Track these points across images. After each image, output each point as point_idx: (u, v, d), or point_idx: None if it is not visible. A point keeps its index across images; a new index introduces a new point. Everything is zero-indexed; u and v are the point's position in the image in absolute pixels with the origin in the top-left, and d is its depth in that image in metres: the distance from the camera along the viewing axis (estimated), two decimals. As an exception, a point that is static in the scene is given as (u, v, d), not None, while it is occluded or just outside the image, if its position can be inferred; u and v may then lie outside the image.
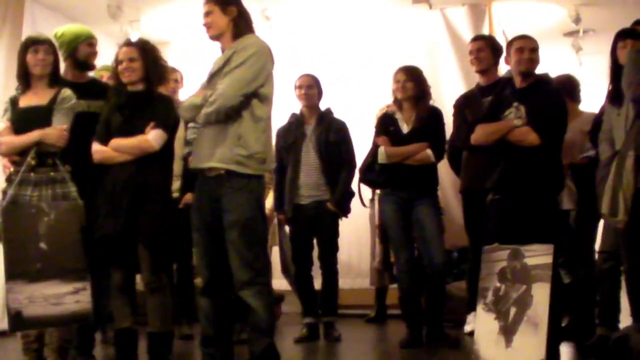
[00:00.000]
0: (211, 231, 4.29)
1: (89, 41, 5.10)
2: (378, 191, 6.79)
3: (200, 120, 4.30)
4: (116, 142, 4.63)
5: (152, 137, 4.59)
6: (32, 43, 4.76)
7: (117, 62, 4.73)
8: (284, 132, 6.20)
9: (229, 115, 4.20)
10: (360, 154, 6.10)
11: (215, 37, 4.40)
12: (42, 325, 4.55)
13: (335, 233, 6.15)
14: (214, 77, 4.34)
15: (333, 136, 6.10)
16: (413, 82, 5.59)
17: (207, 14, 4.37)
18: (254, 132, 4.24)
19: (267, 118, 4.36)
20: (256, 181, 4.29)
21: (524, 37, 5.10)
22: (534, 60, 4.95)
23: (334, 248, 6.16)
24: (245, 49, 4.25)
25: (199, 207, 4.38)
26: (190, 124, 5.15)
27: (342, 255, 6.43)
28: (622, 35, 5.04)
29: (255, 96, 4.24)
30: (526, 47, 4.97)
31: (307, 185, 6.07)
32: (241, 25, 4.38)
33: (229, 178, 4.21)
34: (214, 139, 4.25)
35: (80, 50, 5.05)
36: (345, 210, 6.14)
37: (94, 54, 5.12)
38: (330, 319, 6.15)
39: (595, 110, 5.43)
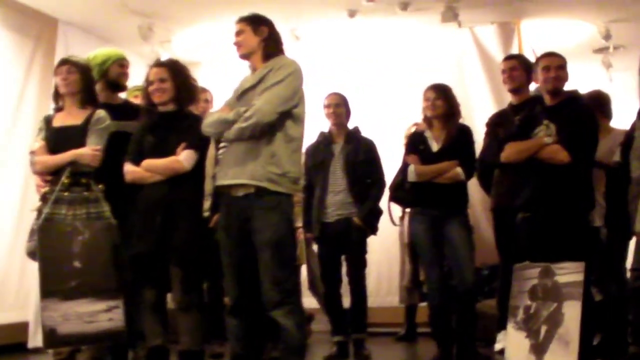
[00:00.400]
0: (240, 251, 4.27)
1: (120, 62, 5.17)
2: (407, 209, 6.82)
3: (231, 136, 4.25)
4: (148, 162, 4.68)
5: (184, 157, 4.63)
6: (59, 64, 4.88)
7: (148, 82, 4.77)
8: (312, 151, 6.22)
9: (263, 132, 4.18)
10: (390, 171, 6.10)
11: (245, 56, 4.42)
12: (76, 342, 4.59)
13: (363, 249, 6.13)
14: (245, 94, 4.34)
15: (362, 155, 6.10)
16: (443, 100, 5.58)
17: (239, 33, 4.39)
18: (287, 151, 4.24)
19: (300, 138, 4.36)
20: (287, 200, 4.27)
21: (550, 55, 5.10)
22: (561, 78, 4.96)
23: (362, 264, 6.14)
24: (284, 68, 4.27)
25: (226, 227, 4.34)
26: (223, 143, 5.16)
27: (372, 273, 6.45)
28: None
29: (289, 116, 4.24)
30: (552, 65, 4.98)
31: (334, 203, 6.07)
32: (271, 45, 4.41)
33: (259, 197, 4.19)
34: (244, 156, 4.22)
35: (111, 71, 5.13)
36: (372, 228, 6.14)
37: (124, 74, 5.19)
38: (360, 337, 6.12)
39: (626, 126, 5.40)
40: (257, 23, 4.40)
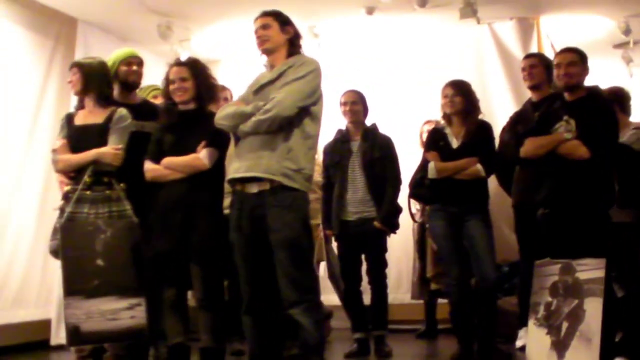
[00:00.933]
0: (253, 250, 4.26)
1: (126, 61, 5.16)
2: (419, 207, 6.84)
3: (247, 128, 4.23)
4: (168, 160, 4.70)
5: (204, 155, 4.64)
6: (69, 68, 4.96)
7: (169, 81, 4.79)
8: (330, 149, 6.22)
9: (281, 127, 4.18)
10: (407, 169, 6.10)
11: (269, 51, 4.41)
12: (99, 340, 4.63)
13: (383, 249, 6.14)
14: (262, 89, 4.35)
15: (378, 152, 6.10)
16: (461, 97, 5.56)
17: (265, 27, 4.38)
18: (303, 147, 4.23)
19: (316, 136, 4.36)
20: (301, 198, 4.26)
21: (562, 52, 5.10)
22: (572, 75, 4.94)
23: (383, 264, 6.15)
24: (305, 65, 4.28)
25: (239, 226, 4.31)
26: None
27: (392, 270, 6.44)
28: None
29: (307, 113, 4.24)
30: (563, 63, 4.98)
31: (353, 201, 6.08)
32: (296, 46, 4.43)
33: (273, 194, 4.17)
34: (259, 149, 4.20)
35: (119, 71, 5.14)
36: (393, 227, 6.15)
37: (132, 72, 5.18)
38: (380, 333, 6.13)
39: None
40: (284, 21, 4.41)
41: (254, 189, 4.23)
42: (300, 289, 4.16)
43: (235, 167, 4.31)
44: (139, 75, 5.21)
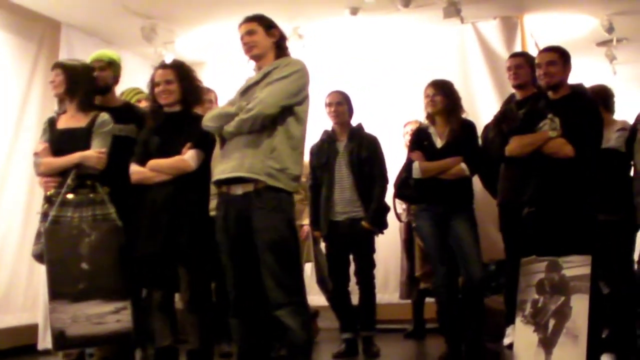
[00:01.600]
0: (239, 252, 4.25)
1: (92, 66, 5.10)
2: (405, 207, 6.85)
3: (231, 128, 4.22)
4: (154, 162, 4.68)
5: (189, 156, 4.63)
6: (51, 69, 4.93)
7: (154, 84, 4.78)
8: (317, 150, 6.23)
9: (264, 126, 4.17)
10: (393, 169, 6.11)
11: (257, 57, 4.40)
12: (85, 344, 4.62)
13: (371, 249, 6.16)
14: (248, 90, 4.34)
15: (365, 152, 6.12)
16: (442, 96, 5.58)
17: (250, 32, 4.37)
18: (287, 147, 4.22)
19: (300, 138, 4.34)
20: (287, 198, 4.25)
21: (542, 51, 5.16)
22: (552, 74, 4.97)
23: (371, 264, 6.17)
24: (290, 65, 4.28)
25: (225, 228, 4.29)
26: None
27: (379, 270, 6.44)
28: None
29: (291, 113, 4.23)
30: (542, 62, 5.01)
31: (341, 201, 6.10)
32: (283, 48, 4.43)
33: (258, 196, 4.16)
34: (243, 150, 4.20)
35: None
36: (381, 226, 6.16)
37: (98, 77, 5.03)
38: (368, 334, 6.15)
39: (631, 119, 5.40)
40: (269, 25, 4.40)
41: (239, 190, 4.22)
42: (287, 290, 4.15)
43: (221, 169, 4.30)
44: (103, 78, 5.06)
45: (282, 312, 4.14)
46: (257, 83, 4.31)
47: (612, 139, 5.36)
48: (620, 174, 5.29)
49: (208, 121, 4.39)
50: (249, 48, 4.39)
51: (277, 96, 4.17)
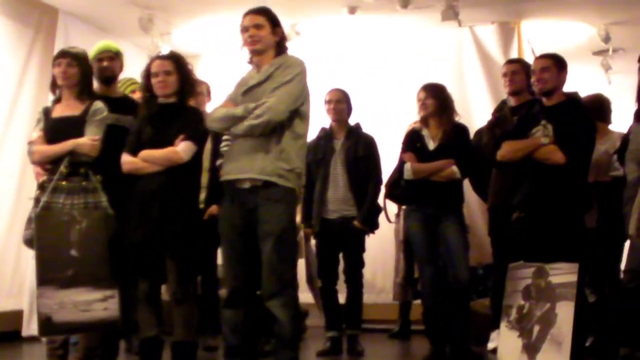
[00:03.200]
0: (242, 242, 4.31)
1: (97, 57, 5.07)
2: (403, 206, 6.84)
3: (240, 132, 4.27)
4: (146, 153, 4.67)
5: (182, 148, 4.63)
6: (57, 56, 4.86)
7: (151, 74, 4.76)
8: (313, 147, 6.18)
9: (274, 130, 4.23)
10: (389, 168, 6.12)
11: (258, 52, 4.40)
12: (71, 331, 4.62)
13: (361, 248, 6.18)
14: (250, 90, 4.35)
15: (361, 151, 6.13)
16: (433, 99, 5.59)
17: (258, 26, 4.36)
18: (294, 147, 4.29)
19: (305, 135, 4.42)
20: (292, 194, 4.31)
21: (538, 58, 5.18)
22: (545, 80, 4.98)
23: (360, 263, 6.19)
24: (292, 67, 4.31)
25: (229, 218, 4.37)
26: (225, 136, 5.13)
27: (367, 270, 6.44)
28: None
29: (296, 114, 4.29)
30: (537, 69, 5.03)
31: (334, 200, 6.10)
32: (283, 47, 4.45)
33: (266, 189, 4.22)
34: (252, 151, 4.25)
35: (94, 67, 5.11)
36: (372, 226, 6.17)
37: (104, 68, 5.08)
38: (354, 332, 6.15)
39: (625, 128, 5.42)
40: (276, 23, 4.42)
41: (246, 184, 4.28)
42: (281, 281, 4.20)
43: (229, 168, 4.37)
44: (111, 69, 5.11)
45: (273, 302, 4.19)
46: (259, 84, 4.33)
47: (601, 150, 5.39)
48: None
49: (214, 122, 4.44)
50: (252, 41, 4.38)
51: (285, 102, 4.22)
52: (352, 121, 6.31)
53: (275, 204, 4.21)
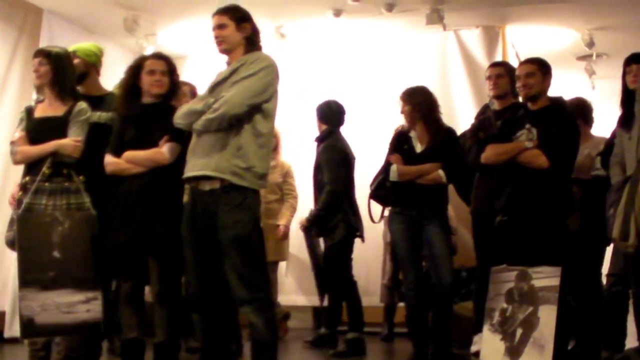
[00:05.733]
0: (204, 247, 4.27)
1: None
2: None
3: (198, 127, 4.23)
4: (130, 154, 4.65)
5: (166, 149, 4.62)
6: (33, 56, 4.87)
7: (146, 72, 4.73)
8: None
9: (231, 125, 4.17)
10: (371, 171, 6.14)
11: (226, 51, 4.39)
12: (54, 333, 4.59)
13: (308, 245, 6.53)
14: (217, 86, 4.33)
15: (320, 160, 6.38)
16: (410, 105, 5.59)
17: (221, 26, 4.36)
18: (254, 145, 4.22)
19: (268, 134, 4.34)
20: (253, 196, 4.26)
21: (522, 63, 5.21)
22: (530, 86, 5.02)
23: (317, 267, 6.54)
24: (257, 62, 4.26)
25: (191, 222, 4.32)
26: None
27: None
28: (628, 61, 5.08)
29: (258, 111, 4.23)
30: (521, 74, 5.05)
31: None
32: (254, 43, 4.41)
33: (225, 193, 4.18)
34: (211, 148, 4.21)
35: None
36: (321, 231, 6.42)
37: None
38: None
39: (607, 133, 5.45)
40: (240, 19, 4.37)
41: (206, 186, 4.24)
42: (251, 287, 4.17)
43: (190, 165, 4.31)
44: (76, 66, 5.04)
45: (247, 309, 4.18)
46: (225, 80, 4.30)
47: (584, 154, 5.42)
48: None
49: (178, 118, 4.39)
50: (218, 42, 4.39)
51: (243, 96, 4.16)
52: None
53: (235, 209, 4.17)
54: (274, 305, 4.57)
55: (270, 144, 4.43)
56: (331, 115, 6.50)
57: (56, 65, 4.79)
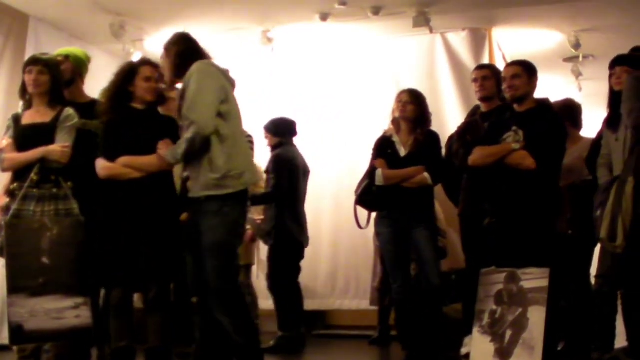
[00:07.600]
0: (195, 252, 4.41)
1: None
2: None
3: (182, 157, 4.45)
4: (130, 159, 4.60)
5: (168, 154, 4.60)
6: (28, 63, 4.83)
7: (140, 78, 4.73)
8: None
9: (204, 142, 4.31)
10: (357, 175, 6.14)
11: (167, 84, 4.68)
12: (43, 339, 4.59)
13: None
14: (180, 110, 4.45)
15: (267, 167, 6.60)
16: (415, 105, 5.61)
17: (159, 64, 4.63)
18: (222, 152, 4.31)
19: (233, 134, 4.40)
20: (232, 202, 4.33)
21: (508, 65, 5.25)
22: (516, 87, 5.04)
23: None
24: (189, 76, 4.37)
25: (188, 229, 4.51)
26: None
27: (341, 275, 6.48)
28: (612, 64, 5.10)
29: (218, 115, 4.32)
30: (507, 76, 5.08)
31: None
32: (185, 59, 4.48)
33: (206, 201, 4.31)
34: (193, 168, 4.41)
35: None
36: (275, 240, 6.52)
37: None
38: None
39: (594, 134, 5.45)
40: (169, 45, 4.59)
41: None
42: (219, 293, 4.31)
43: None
44: (65, 72, 5.08)
45: (217, 313, 4.31)
46: (180, 106, 4.42)
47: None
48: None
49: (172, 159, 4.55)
50: (161, 77, 4.68)
51: (204, 113, 4.29)
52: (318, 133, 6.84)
53: (211, 215, 4.30)
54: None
55: (239, 141, 4.48)
56: (282, 128, 6.75)
57: (54, 74, 4.80)
